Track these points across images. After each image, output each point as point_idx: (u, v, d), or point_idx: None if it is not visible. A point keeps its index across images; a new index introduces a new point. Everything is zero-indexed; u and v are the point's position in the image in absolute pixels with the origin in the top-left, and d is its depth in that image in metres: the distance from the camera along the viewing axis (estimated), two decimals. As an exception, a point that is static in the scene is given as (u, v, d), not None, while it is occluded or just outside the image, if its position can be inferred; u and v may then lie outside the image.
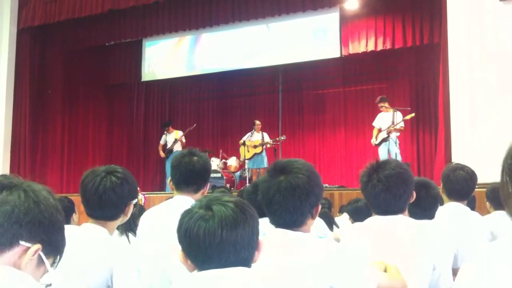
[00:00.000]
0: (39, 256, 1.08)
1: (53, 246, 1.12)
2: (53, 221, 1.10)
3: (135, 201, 2.12)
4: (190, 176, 2.45)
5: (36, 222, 1.06)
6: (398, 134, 8.38)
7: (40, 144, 10.56)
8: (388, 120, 8.43)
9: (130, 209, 2.10)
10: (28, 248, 1.05)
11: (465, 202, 2.94)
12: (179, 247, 1.37)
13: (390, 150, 8.26)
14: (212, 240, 1.29)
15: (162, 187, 10.56)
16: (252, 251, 1.36)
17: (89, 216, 2.06)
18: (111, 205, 2.03)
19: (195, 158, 2.45)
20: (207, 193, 2.56)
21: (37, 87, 10.45)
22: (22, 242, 1.05)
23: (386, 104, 8.57)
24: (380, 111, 8.65)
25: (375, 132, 8.62)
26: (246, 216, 1.34)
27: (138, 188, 5.10)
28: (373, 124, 8.69)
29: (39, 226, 1.07)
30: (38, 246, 1.06)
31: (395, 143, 8.30)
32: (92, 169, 2.09)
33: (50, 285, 1.13)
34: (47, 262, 1.10)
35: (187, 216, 1.35)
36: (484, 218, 3.13)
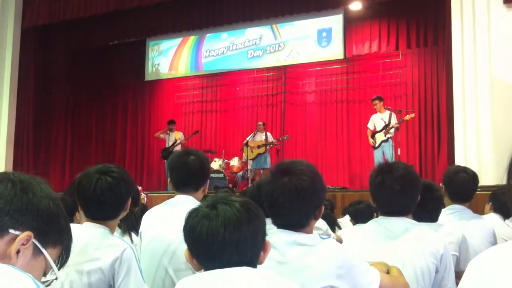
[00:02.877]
0: (35, 246, 1.06)
1: (49, 235, 1.09)
2: (44, 209, 1.07)
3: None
4: (188, 176, 2.45)
5: (23, 209, 1.05)
6: (392, 135, 8.38)
7: (43, 143, 10.59)
8: (382, 121, 8.45)
9: (129, 204, 2.09)
10: (18, 236, 1.03)
11: (467, 204, 2.94)
12: (185, 246, 1.37)
13: (385, 153, 8.30)
14: (215, 239, 1.29)
15: (165, 187, 10.56)
16: (256, 251, 1.36)
17: (88, 218, 2.04)
18: (110, 206, 2.02)
19: (192, 157, 2.45)
20: (211, 193, 2.56)
21: (41, 86, 10.48)
22: (11, 231, 1.03)
23: (378, 103, 8.57)
24: (374, 112, 8.69)
25: (368, 133, 8.64)
26: (251, 216, 1.34)
27: (140, 188, 5.08)
28: (368, 125, 8.72)
29: (28, 213, 1.05)
30: (27, 233, 1.04)
31: (391, 146, 8.34)
32: (86, 170, 2.04)
33: (56, 279, 1.12)
34: (46, 252, 1.08)
35: (192, 214, 1.36)
36: (487, 221, 3.12)
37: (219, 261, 1.30)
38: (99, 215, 2.03)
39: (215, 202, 1.35)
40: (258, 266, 1.37)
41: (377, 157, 8.39)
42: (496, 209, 3.50)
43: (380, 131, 8.42)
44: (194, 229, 1.32)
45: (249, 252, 1.34)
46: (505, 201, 3.34)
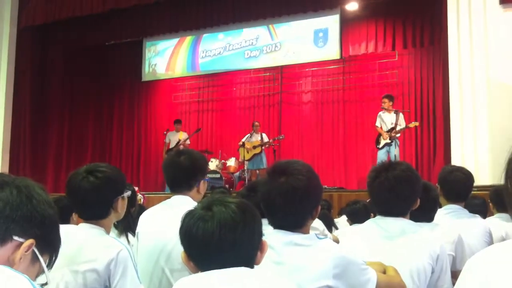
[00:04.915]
0: (34, 253, 1.08)
1: (47, 243, 1.11)
2: (46, 216, 1.10)
3: (127, 194, 2.08)
4: (179, 176, 2.45)
5: (28, 216, 1.06)
6: (399, 135, 8.31)
7: (39, 142, 10.56)
8: (389, 120, 8.32)
9: (120, 204, 2.05)
10: (21, 243, 1.05)
11: (463, 204, 2.94)
12: (181, 248, 1.37)
13: (390, 153, 8.20)
14: (211, 241, 1.29)
15: (162, 187, 10.56)
16: (253, 251, 1.36)
17: (80, 217, 2.04)
18: (94, 205, 1.99)
19: (182, 157, 2.45)
20: (208, 193, 2.57)
21: (37, 87, 10.46)
22: (15, 237, 1.05)
23: (387, 103, 8.38)
24: (381, 110, 8.51)
25: (379, 130, 8.39)
26: (247, 217, 1.34)
27: (137, 188, 5.06)
28: (376, 124, 8.52)
29: (32, 221, 1.07)
30: (31, 240, 1.06)
31: (397, 145, 8.24)
32: (76, 169, 2.03)
33: (46, 284, 1.13)
34: (42, 259, 1.10)
35: (188, 216, 1.36)
36: (483, 220, 3.13)
37: (216, 262, 1.30)
38: (86, 214, 2.02)
39: (210, 204, 1.35)
40: (255, 266, 1.37)
41: (381, 157, 8.20)
42: (500, 208, 3.49)
43: (386, 132, 8.27)
44: (190, 231, 1.32)
45: (246, 252, 1.34)
46: None
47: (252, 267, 1.35)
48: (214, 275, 1.29)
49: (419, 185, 2.10)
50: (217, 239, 1.29)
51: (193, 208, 1.38)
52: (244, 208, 1.35)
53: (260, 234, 1.38)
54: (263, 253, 1.39)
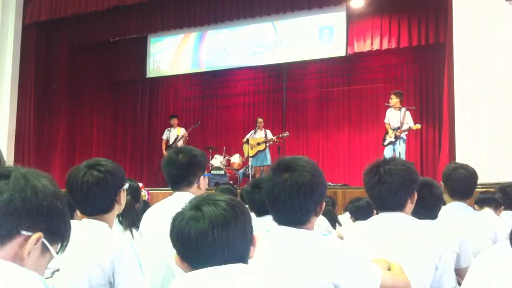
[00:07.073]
0: (43, 244, 1.07)
1: (56, 233, 1.11)
2: (53, 209, 1.09)
3: (126, 186, 2.08)
4: (178, 174, 2.48)
5: (35, 210, 1.05)
6: (406, 133, 8.25)
7: (44, 139, 10.59)
8: (395, 118, 8.27)
9: (122, 196, 2.05)
10: (29, 237, 1.04)
11: (467, 201, 2.94)
12: (174, 251, 1.37)
13: (395, 150, 8.15)
14: (204, 240, 1.30)
15: (165, 183, 10.57)
16: (246, 247, 1.36)
17: (83, 214, 2.03)
18: (99, 200, 1.99)
19: (180, 155, 2.47)
20: (212, 189, 2.58)
21: (42, 83, 10.48)
22: (23, 232, 1.04)
23: (393, 98, 8.29)
24: (388, 106, 8.42)
25: (387, 127, 8.35)
26: (237, 213, 1.34)
27: (141, 184, 5.07)
28: (385, 121, 8.44)
29: (38, 214, 1.06)
30: (39, 234, 1.05)
31: (403, 141, 8.18)
32: (76, 166, 2.04)
33: (58, 270, 1.13)
34: (52, 249, 1.09)
35: (178, 218, 1.36)
36: (488, 218, 3.12)
37: (210, 261, 1.30)
38: (90, 210, 2.02)
39: (198, 204, 1.35)
40: (256, 262, 1.37)
41: (386, 154, 8.09)
42: (506, 205, 3.48)
43: (392, 130, 8.21)
44: (182, 232, 1.32)
45: (239, 249, 1.34)
46: None
47: (246, 262, 1.35)
48: (213, 272, 1.29)
49: (412, 179, 2.07)
50: (210, 238, 1.29)
51: (181, 210, 1.38)
52: (233, 205, 1.35)
53: (251, 228, 1.38)
54: (255, 247, 1.39)
